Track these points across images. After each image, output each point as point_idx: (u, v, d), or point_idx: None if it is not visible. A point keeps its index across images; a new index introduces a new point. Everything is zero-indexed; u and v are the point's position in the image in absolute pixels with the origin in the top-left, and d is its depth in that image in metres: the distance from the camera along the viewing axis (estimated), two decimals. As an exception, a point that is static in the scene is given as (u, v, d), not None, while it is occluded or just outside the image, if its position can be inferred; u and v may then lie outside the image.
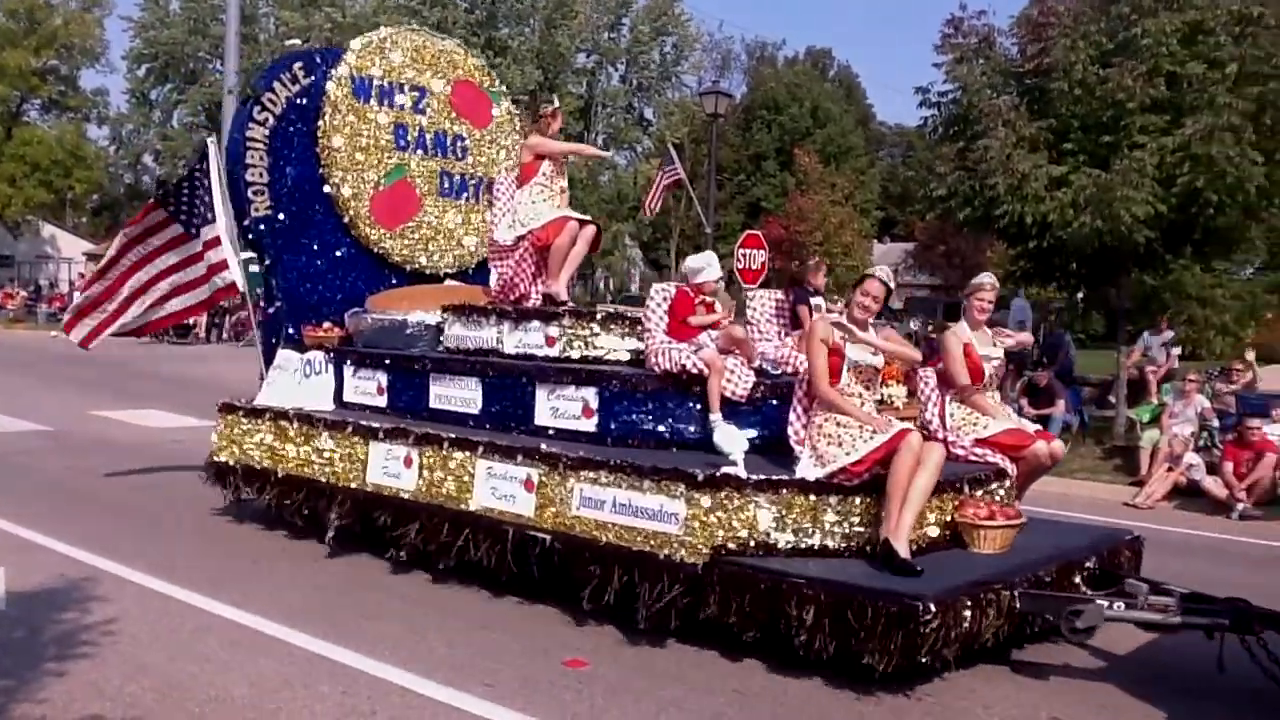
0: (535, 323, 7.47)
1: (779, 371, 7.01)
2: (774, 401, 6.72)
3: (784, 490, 5.65)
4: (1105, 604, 5.41)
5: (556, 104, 8.26)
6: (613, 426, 6.63)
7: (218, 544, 7.81)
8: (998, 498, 6.37)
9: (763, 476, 5.68)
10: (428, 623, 6.07)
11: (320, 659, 5.40)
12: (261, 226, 8.69)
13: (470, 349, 7.82)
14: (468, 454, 6.71)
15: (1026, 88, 16.66)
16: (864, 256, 40.92)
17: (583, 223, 8.07)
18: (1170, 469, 11.32)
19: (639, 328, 7.17)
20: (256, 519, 8.39)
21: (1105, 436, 13.99)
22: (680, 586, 5.62)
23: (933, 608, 4.95)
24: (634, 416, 6.62)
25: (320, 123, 8.84)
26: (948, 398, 6.57)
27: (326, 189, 8.95)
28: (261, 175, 8.69)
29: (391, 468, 7.18)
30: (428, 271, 9.50)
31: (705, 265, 6.86)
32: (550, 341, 7.37)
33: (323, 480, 7.60)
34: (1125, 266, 15.21)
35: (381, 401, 8.02)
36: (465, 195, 9.75)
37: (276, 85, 8.76)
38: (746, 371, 6.63)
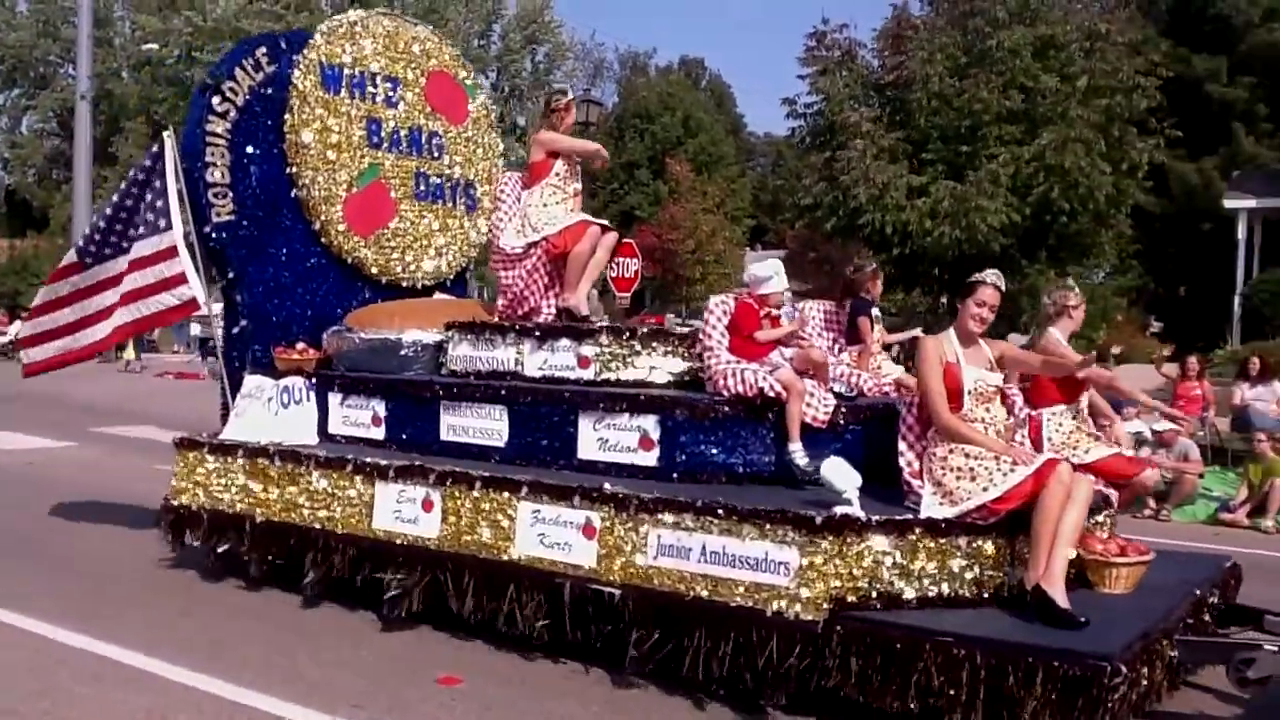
0: (565, 341, 6.55)
1: (854, 393, 6.27)
2: (855, 427, 5.97)
3: (912, 533, 4.90)
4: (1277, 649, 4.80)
5: (570, 95, 7.37)
6: (679, 459, 5.78)
7: (73, 572, 7.21)
8: (1105, 529, 5.76)
9: (886, 517, 4.92)
10: (296, 645, 5.83)
11: (183, 689, 5.16)
12: (224, 234, 7.57)
13: (483, 372, 6.86)
14: (508, 495, 5.78)
15: (887, 99, 17.47)
16: (736, 264, 41.47)
17: (604, 229, 7.20)
18: None
19: (689, 346, 6.34)
20: (114, 543, 7.95)
21: None
22: (794, 649, 4.81)
23: (1123, 669, 4.26)
24: (702, 448, 5.78)
25: (287, 116, 7.77)
26: (1046, 417, 5.92)
27: (295, 191, 7.87)
28: (223, 175, 7.58)
29: (406, 511, 6.19)
30: (404, 284, 8.49)
31: (772, 274, 6.07)
32: (584, 363, 6.47)
33: (316, 527, 6.55)
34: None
35: (378, 433, 6.99)
36: (442, 199, 8.76)
37: (238, 73, 7.65)
38: (825, 394, 5.87)
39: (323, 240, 8.02)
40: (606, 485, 5.48)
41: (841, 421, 5.89)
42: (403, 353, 7.24)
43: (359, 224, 8.14)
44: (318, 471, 6.59)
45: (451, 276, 8.89)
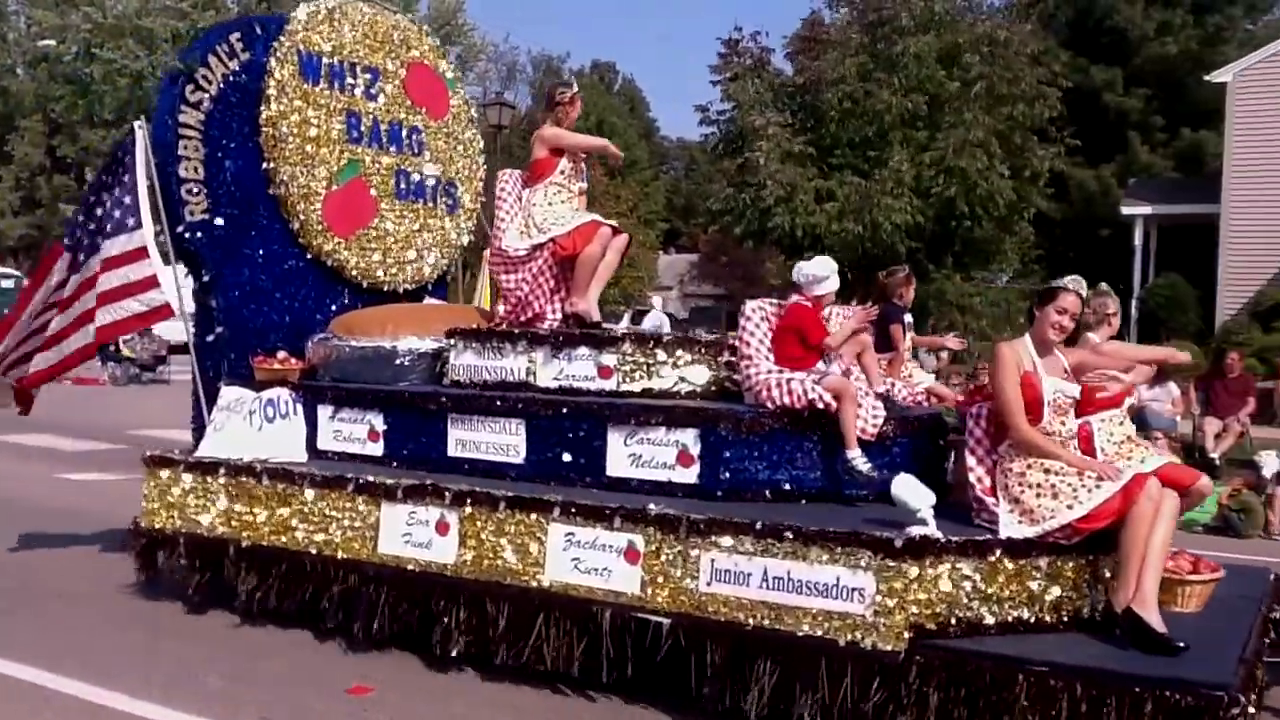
0: (583, 350, 6.13)
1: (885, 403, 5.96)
2: (904, 440, 5.67)
3: (993, 554, 4.60)
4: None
5: (575, 89, 6.94)
6: (724, 476, 5.40)
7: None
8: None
9: (966, 538, 4.62)
10: (200, 657, 5.72)
11: (83, 704, 5.03)
12: (199, 234, 6.98)
13: (489, 383, 6.40)
14: (537, 516, 5.35)
15: (798, 105, 18.06)
16: (650, 268, 41.38)
17: (615, 230, 6.80)
18: None
19: (717, 353, 5.98)
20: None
21: None
22: (872, 682, 4.48)
23: (1240, 698, 4.00)
24: (747, 463, 5.42)
25: (263, 107, 7.21)
26: (1097, 426, 5.67)
27: (272, 189, 7.31)
28: (197, 170, 6.99)
29: (417, 535, 5.71)
30: (385, 288, 7.97)
31: (829, 274, 5.72)
32: (606, 373, 6.06)
33: (312, 552, 6.03)
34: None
35: (375, 449, 6.48)
36: (423, 198, 8.26)
37: (211, 59, 7.07)
38: (875, 403, 5.56)
39: (301, 241, 7.47)
40: (651, 506, 5.09)
41: (891, 433, 5.58)
42: (398, 362, 6.74)
43: (339, 224, 7.61)
44: (313, 491, 6.06)
45: (434, 280, 8.40)
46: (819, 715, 4.58)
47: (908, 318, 6.89)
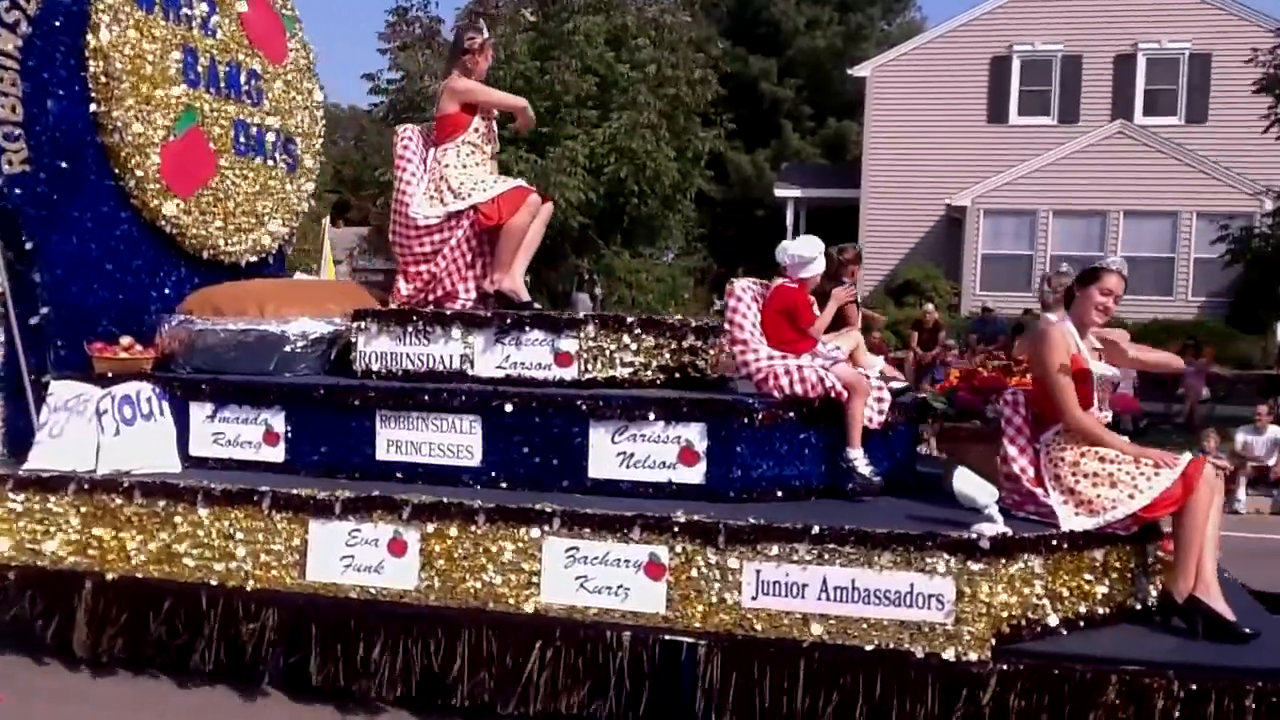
0: (536, 333, 5.36)
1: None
2: (901, 427, 5.35)
3: (1059, 549, 4.35)
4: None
5: (486, 34, 6.07)
6: (735, 474, 4.85)
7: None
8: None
9: (1037, 534, 4.34)
10: None
11: None
12: (18, 190, 5.52)
13: (412, 372, 5.49)
14: (528, 530, 4.58)
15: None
16: (318, 240, 39.88)
17: (543, 196, 6.03)
18: None
19: (680, 337, 5.41)
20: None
21: None
22: (956, 695, 4.12)
23: (1342, 687, 3.97)
24: (757, 459, 4.89)
25: (91, 35, 5.83)
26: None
27: (101, 136, 5.95)
28: (15, 110, 5.53)
29: (362, 557, 4.77)
30: (225, 260, 6.74)
31: (816, 254, 5.25)
32: (564, 360, 5.33)
33: (212, 584, 4.92)
34: (564, 251, 16.84)
35: (274, 454, 5.39)
36: (263, 154, 7.07)
37: (28, -28, 5.62)
38: (883, 391, 5.18)
39: (134, 202, 6.14)
40: (679, 513, 4.46)
41: (891, 421, 5.24)
42: (288, 349, 5.67)
43: (179, 182, 6.33)
44: (210, 509, 4.95)
45: (274, 252, 7.22)
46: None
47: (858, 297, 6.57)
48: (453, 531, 4.67)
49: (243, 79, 6.89)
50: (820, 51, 32.04)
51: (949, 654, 4.14)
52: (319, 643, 4.78)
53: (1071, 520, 4.46)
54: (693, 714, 4.37)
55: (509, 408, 5.05)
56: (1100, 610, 4.50)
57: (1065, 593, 4.40)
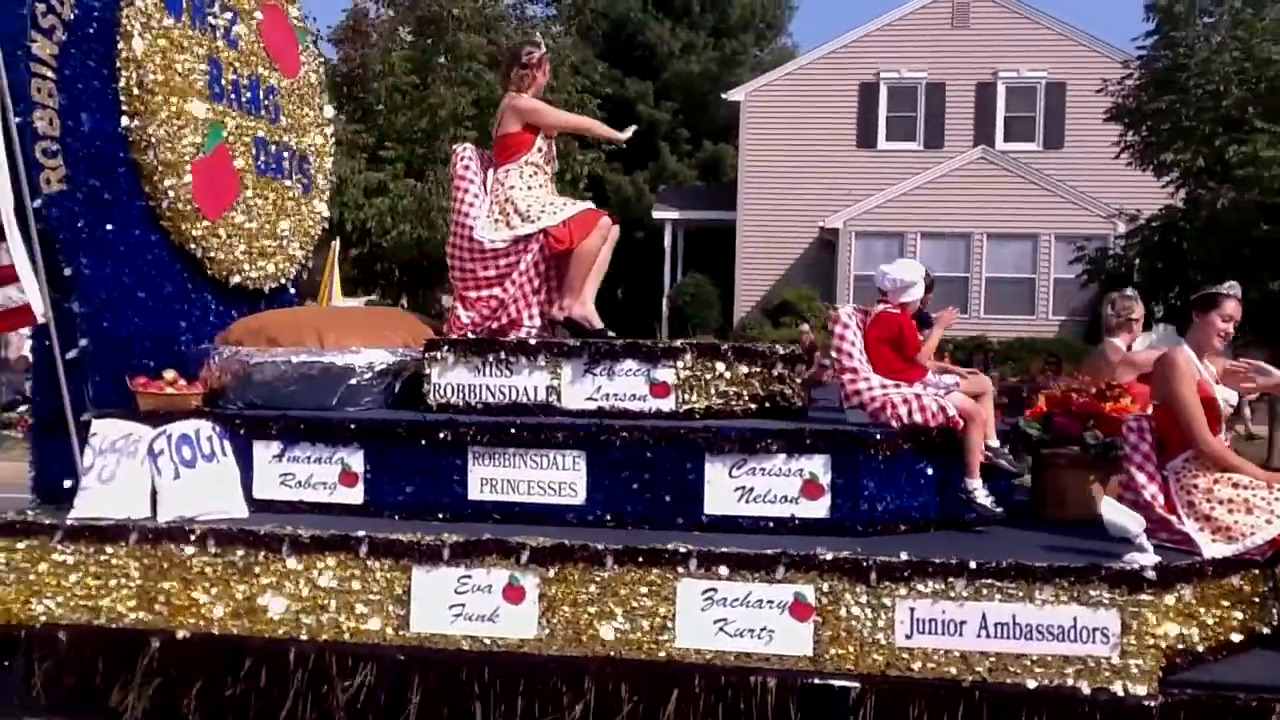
0: (631, 363, 5.12)
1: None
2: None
3: (1204, 577, 4.32)
4: None
5: (544, 49, 5.81)
6: (862, 507, 4.70)
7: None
8: None
9: (1186, 563, 4.31)
10: None
11: None
12: (55, 211, 5.04)
13: (492, 405, 5.20)
14: (661, 571, 4.35)
15: (345, 95, 18.50)
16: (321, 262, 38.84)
17: (612, 218, 5.80)
18: None
19: (770, 365, 5.23)
20: None
21: None
22: (1122, 730, 4.05)
23: None
24: (881, 491, 4.76)
25: (122, 44, 5.38)
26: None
27: (131, 153, 5.49)
28: (53, 123, 5.05)
29: (474, 606, 4.47)
30: (250, 287, 6.31)
31: (918, 279, 5.15)
32: (660, 390, 5.11)
33: (303, 639, 4.54)
34: (441, 278, 17.61)
35: (351, 496, 5.02)
36: (281, 174, 6.65)
37: (62, -25, 5.15)
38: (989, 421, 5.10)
39: (164, 225, 5.69)
40: (824, 551, 4.29)
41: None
42: (354, 381, 5.30)
43: (208, 204, 5.89)
44: (299, 558, 4.57)
45: (293, 278, 6.80)
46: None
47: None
48: (577, 575, 4.40)
49: (261, 94, 6.47)
50: (695, 76, 32.38)
51: (1117, 689, 4.06)
52: (425, 699, 4.46)
53: (1210, 547, 4.44)
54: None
55: (617, 442, 4.80)
56: (1235, 636, 4.49)
57: (1211, 621, 4.37)
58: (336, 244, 7.16)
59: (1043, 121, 24.45)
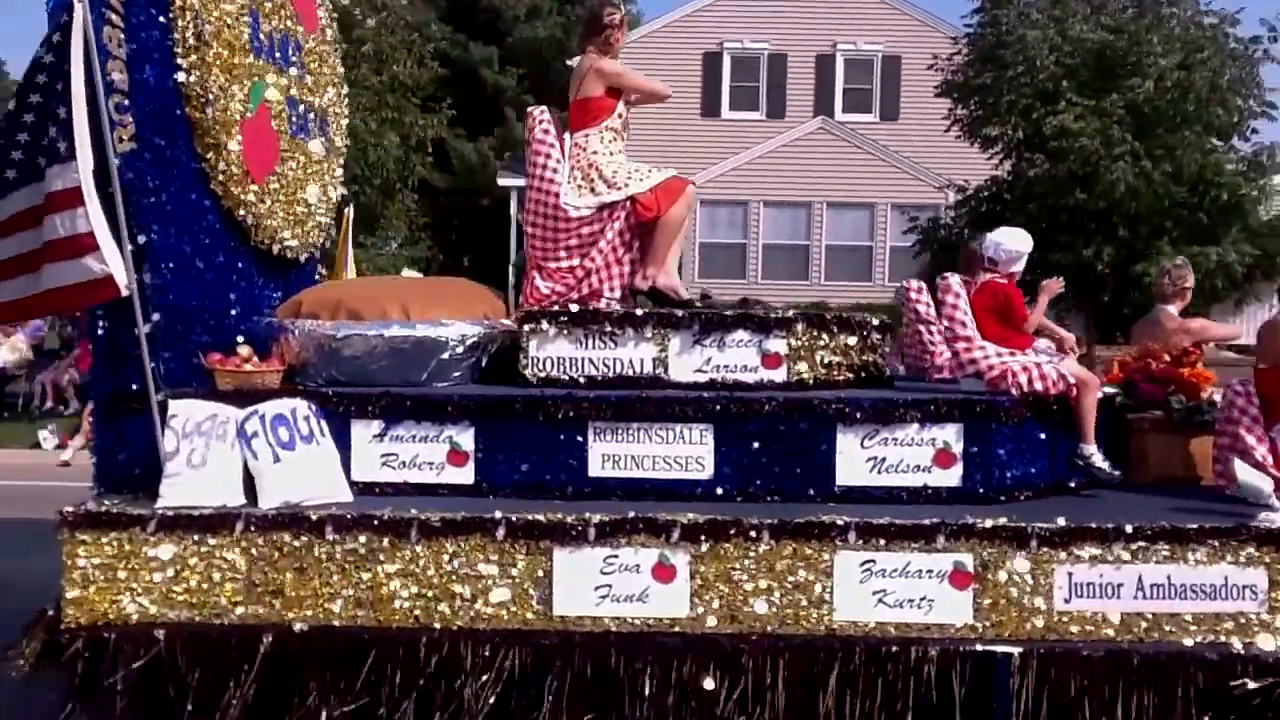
0: (742, 334, 5.01)
1: None
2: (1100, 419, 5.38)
3: (1327, 534, 4.52)
4: None
5: (623, 9, 5.60)
6: (994, 475, 4.73)
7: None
8: None
9: (1314, 520, 4.49)
10: None
11: None
12: (129, 175, 4.59)
13: (597, 378, 5.02)
14: (818, 544, 4.29)
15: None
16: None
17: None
18: None
19: (867, 334, 5.21)
20: None
21: None
22: (1272, 683, 4.21)
23: None
24: (1008, 459, 4.80)
25: (177, -7, 4.94)
26: None
27: (188, 109, 5.06)
28: (123, 75, 4.60)
29: (622, 586, 4.32)
30: (289, 255, 5.91)
31: (1027, 248, 5.20)
32: (772, 361, 5.02)
33: (435, 628, 4.31)
34: None
35: (462, 476, 4.76)
36: (307, 135, 6.24)
37: (125, -87, 4.66)
38: (1093, 388, 5.20)
39: (214, 189, 5.26)
40: (985, 520, 4.31)
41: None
42: (445, 355, 5.02)
43: (255, 166, 5.47)
44: (426, 543, 4.33)
45: (319, 247, 6.41)
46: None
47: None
48: (730, 551, 4.30)
49: (290, 50, 6.05)
50: (541, 41, 31.58)
51: (1266, 644, 4.22)
52: (572, 685, 4.29)
53: (1319, 506, 4.65)
54: (1008, 726, 4.24)
55: (748, 414, 4.70)
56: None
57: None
58: (350, 211, 6.78)
59: (879, 94, 24.97)
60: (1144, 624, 4.26)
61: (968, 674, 4.25)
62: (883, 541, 4.30)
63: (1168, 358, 5.48)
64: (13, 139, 4.30)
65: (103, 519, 4.37)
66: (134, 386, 4.70)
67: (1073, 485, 5.02)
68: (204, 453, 4.54)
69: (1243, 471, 4.51)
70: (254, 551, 4.37)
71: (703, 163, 23.83)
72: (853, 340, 5.15)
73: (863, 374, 5.21)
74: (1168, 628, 4.26)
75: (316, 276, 6.46)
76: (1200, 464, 5.30)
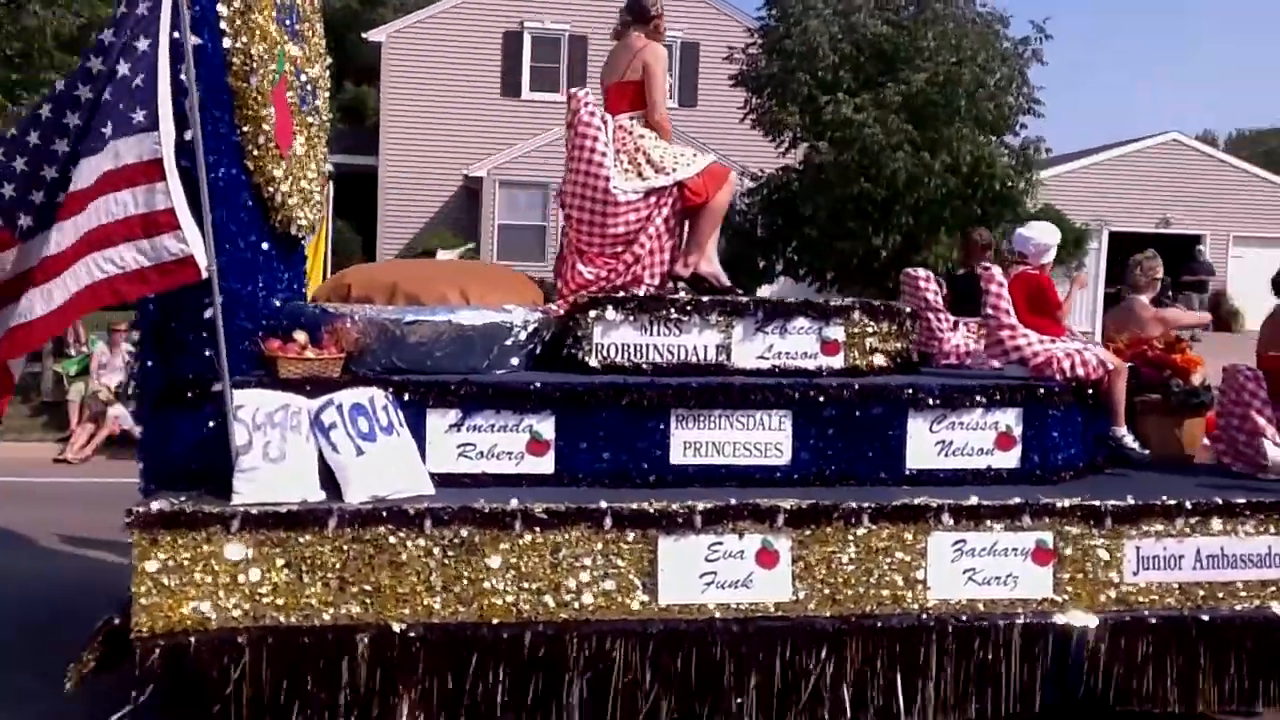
0: (803, 321, 5.09)
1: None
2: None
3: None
4: None
5: (662, -4, 5.55)
6: (1051, 457, 4.98)
7: None
8: None
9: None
10: None
11: None
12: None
13: (662, 365, 5.00)
14: (915, 527, 4.45)
15: None
16: None
17: (726, 172, 5.67)
18: (97, 421, 11.54)
19: (901, 323, 5.39)
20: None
21: (33, 393, 12.73)
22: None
23: None
24: (1060, 441, 5.06)
25: (224, -50, 4.60)
26: None
27: (230, 78, 4.73)
28: (195, 41, 4.25)
29: (727, 573, 4.36)
30: (299, 233, 5.62)
31: (1056, 240, 5.46)
32: (831, 348, 5.12)
33: (541, 620, 4.24)
34: None
35: (541, 465, 4.65)
36: (306, 108, 5.92)
37: None
38: (1113, 372, 5.53)
39: (248, 164, 4.94)
40: (1062, 499, 4.56)
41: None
42: (508, 341, 4.90)
43: (282, 139, 5.18)
44: (531, 535, 4.24)
45: (313, 226, 6.10)
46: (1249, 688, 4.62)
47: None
48: (830, 535, 4.40)
49: (295, 17, 5.73)
50: (335, 12, 30.33)
51: (1305, 607, 4.65)
52: (681, 673, 4.30)
53: (1323, 477, 5.13)
54: (1084, 696, 4.50)
55: (825, 400, 4.79)
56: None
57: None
58: (330, 188, 6.42)
59: (678, 81, 24.60)
60: (1201, 593, 4.61)
61: (1048, 645, 4.50)
62: (972, 522, 4.48)
63: (1159, 345, 5.89)
64: (69, 108, 3.93)
65: (180, 518, 4.07)
66: (189, 375, 4.40)
67: (1101, 461, 5.35)
68: (281, 445, 4.28)
69: (1273, 451, 4.92)
70: (346, 548, 4.16)
71: (502, 143, 23.64)
72: (894, 328, 5.32)
73: (898, 360, 5.39)
74: (1221, 595, 4.62)
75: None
76: (1191, 443, 5.74)
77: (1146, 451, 5.35)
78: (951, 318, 5.97)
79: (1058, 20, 19.63)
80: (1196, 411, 5.69)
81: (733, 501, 4.38)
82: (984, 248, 6.47)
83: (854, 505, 4.41)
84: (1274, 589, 4.66)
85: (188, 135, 4.13)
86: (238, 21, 4.66)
